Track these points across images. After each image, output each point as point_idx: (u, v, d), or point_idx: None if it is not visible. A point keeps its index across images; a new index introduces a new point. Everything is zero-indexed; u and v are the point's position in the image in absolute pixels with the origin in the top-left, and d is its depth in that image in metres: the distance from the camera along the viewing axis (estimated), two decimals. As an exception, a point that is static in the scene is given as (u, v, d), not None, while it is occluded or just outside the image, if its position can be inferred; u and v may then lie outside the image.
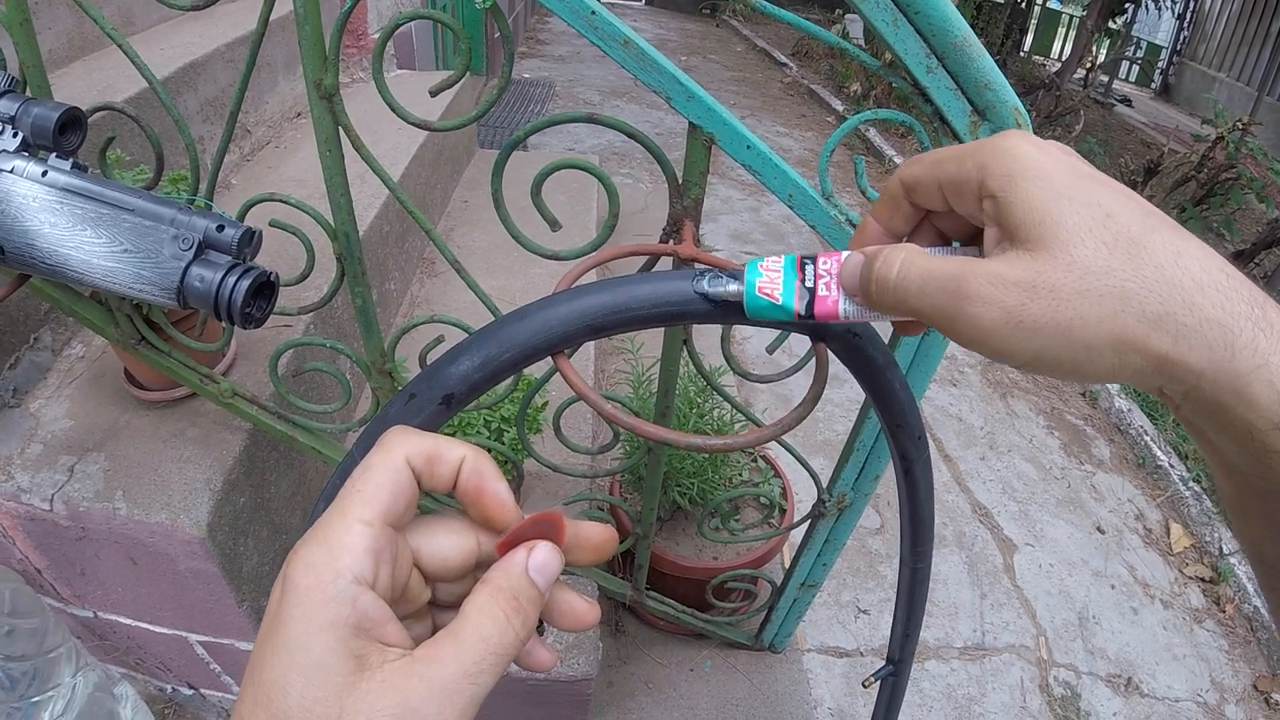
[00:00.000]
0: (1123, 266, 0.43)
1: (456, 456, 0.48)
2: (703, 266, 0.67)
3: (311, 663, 0.41)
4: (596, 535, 0.51)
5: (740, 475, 2.12)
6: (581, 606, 0.51)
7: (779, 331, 1.21)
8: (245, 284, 0.87)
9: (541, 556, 0.47)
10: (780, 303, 0.58)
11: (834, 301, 0.56)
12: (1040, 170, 0.46)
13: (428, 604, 0.50)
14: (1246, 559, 0.54)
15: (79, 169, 0.95)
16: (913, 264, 0.49)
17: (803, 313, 0.57)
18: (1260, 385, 0.40)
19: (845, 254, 0.57)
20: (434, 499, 1.33)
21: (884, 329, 0.77)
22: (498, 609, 0.45)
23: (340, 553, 0.43)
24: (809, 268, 0.58)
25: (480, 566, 0.50)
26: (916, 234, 0.57)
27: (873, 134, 7.37)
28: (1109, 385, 4.22)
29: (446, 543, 0.49)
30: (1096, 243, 0.43)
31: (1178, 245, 0.43)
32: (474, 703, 0.43)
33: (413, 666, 0.42)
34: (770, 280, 0.59)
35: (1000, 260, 0.46)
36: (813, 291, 0.57)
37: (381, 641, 0.43)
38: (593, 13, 0.92)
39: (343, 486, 0.46)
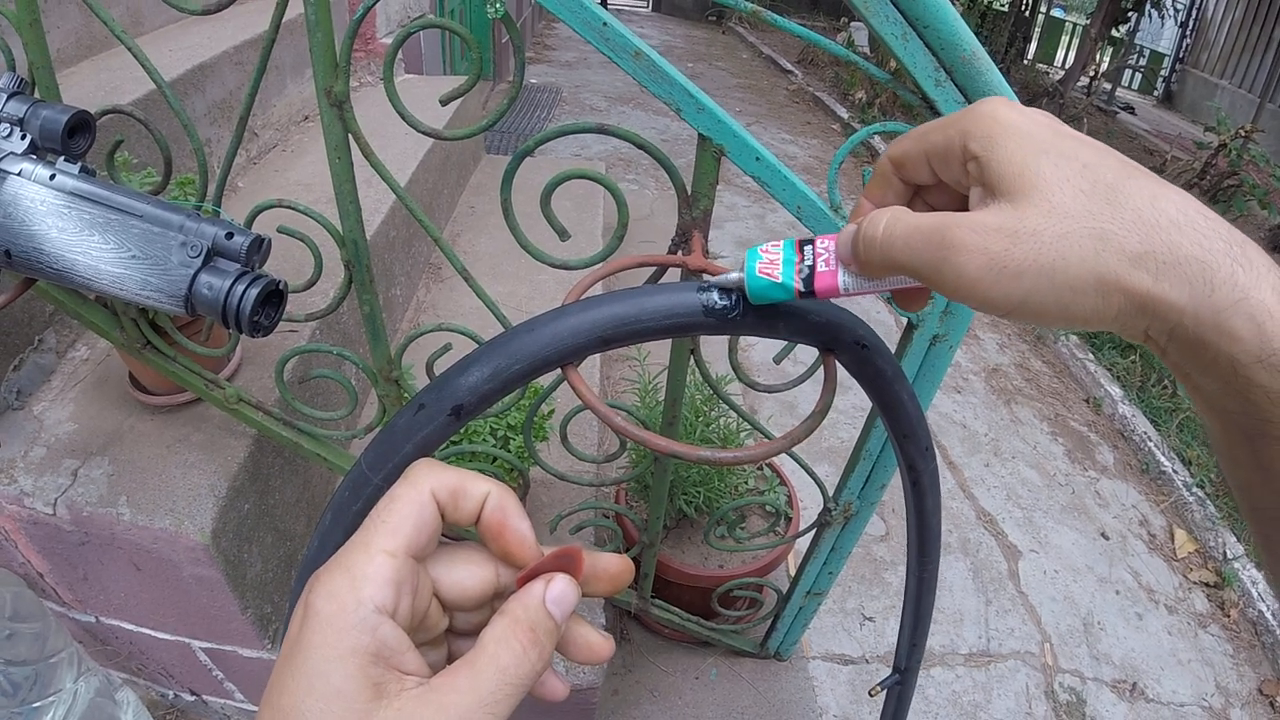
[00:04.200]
0: (1101, 210, 0.43)
1: (481, 492, 0.49)
2: (711, 279, 0.66)
3: (330, 690, 0.41)
4: (613, 566, 0.52)
5: (746, 483, 2.12)
6: (596, 640, 0.52)
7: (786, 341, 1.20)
8: (254, 292, 0.87)
9: (559, 589, 0.48)
10: (780, 280, 0.59)
11: (833, 274, 0.57)
12: (1019, 129, 0.47)
13: (445, 631, 0.51)
14: (1241, 512, 0.54)
15: (87, 172, 0.95)
16: (898, 220, 0.50)
17: (803, 289, 0.58)
18: (1241, 319, 0.41)
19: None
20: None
21: (890, 341, 0.77)
22: (515, 640, 0.45)
23: (363, 582, 0.43)
24: (808, 249, 0.59)
25: (498, 597, 0.51)
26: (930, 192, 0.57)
27: (877, 141, 7.37)
28: (1111, 391, 4.22)
29: (466, 573, 0.50)
30: (1075, 190, 0.44)
31: (1154, 190, 0.44)
32: None
33: (429, 695, 0.43)
34: (770, 262, 0.60)
35: (983, 211, 0.47)
36: (812, 268, 0.58)
37: (400, 670, 0.43)
38: (604, 24, 0.92)
39: (367, 516, 0.47)
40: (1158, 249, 0.42)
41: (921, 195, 0.57)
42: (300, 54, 2.92)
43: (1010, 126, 0.47)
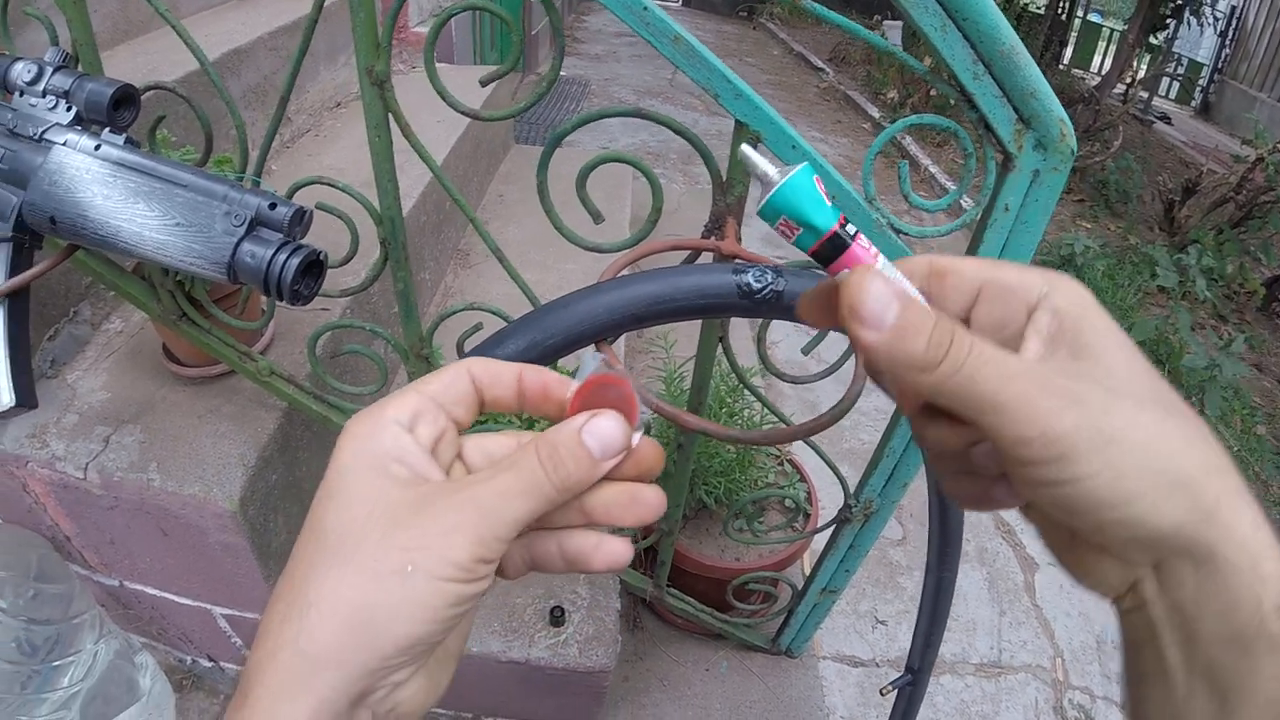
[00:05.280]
0: (1191, 422, 0.42)
1: (514, 368, 0.51)
2: (743, 262, 0.67)
3: (360, 489, 0.46)
4: (648, 450, 0.51)
5: (766, 477, 2.12)
6: (648, 494, 0.52)
7: (814, 334, 1.21)
8: (295, 261, 0.89)
9: (597, 421, 0.48)
10: (830, 205, 0.47)
11: (872, 258, 0.47)
12: (1105, 316, 0.45)
13: None
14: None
15: (132, 144, 0.97)
16: (986, 347, 0.43)
17: (837, 235, 0.47)
18: (1273, 563, 0.40)
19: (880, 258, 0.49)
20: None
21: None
22: (531, 451, 0.47)
23: (386, 406, 0.48)
24: (850, 226, 0.48)
25: None
26: None
27: (908, 142, 7.35)
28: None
29: (493, 443, 0.52)
30: (1161, 395, 0.43)
31: (1197, 420, 0.43)
32: (503, 522, 0.45)
33: (447, 486, 0.47)
34: (822, 189, 0.47)
35: (1074, 369, 0.44)
36: (854, 234, 0.48)
37: (423, 476, 0.47)
38: (645, 9, 0.93)
39: None
40: (1233, 475, 0.41)
41: None
42: (333, 41, 2.95)
43: (1098, 306, 0.45)
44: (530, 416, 0.52)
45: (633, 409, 0.49)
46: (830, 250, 0.47)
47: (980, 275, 0.47)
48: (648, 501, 0.51)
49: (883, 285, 0.43)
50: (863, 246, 0.47)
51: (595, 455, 0.47)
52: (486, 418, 1.69)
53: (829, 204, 0.47)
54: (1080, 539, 0.46)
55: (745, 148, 0.49)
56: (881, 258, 0.48)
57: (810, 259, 0.49)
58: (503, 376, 0.51)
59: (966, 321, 0.48)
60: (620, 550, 0.52)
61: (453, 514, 0.45)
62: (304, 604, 0.43)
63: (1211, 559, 0.41)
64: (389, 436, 0.47)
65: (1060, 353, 0.45)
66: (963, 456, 0.49)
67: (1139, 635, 0.46)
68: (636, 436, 0.50)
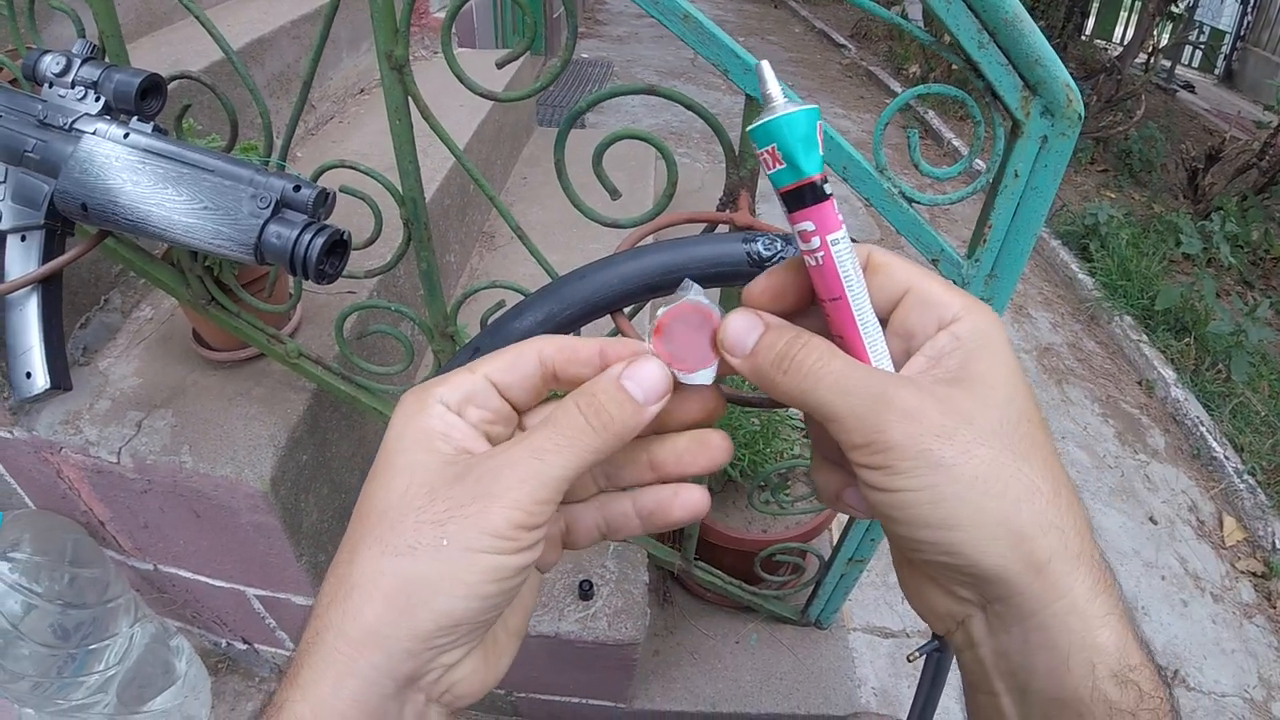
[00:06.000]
0: (1039, 465, 0.43)
1: (594, 343, 0.50)
2: (753, 232, 0.68)
3: (408, 462, 0.46)
4: (711, 391, 0.52)
5: (792, 449, 2.13)
6: (715, 438, 0.53)
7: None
8: (320, 241, 0.91)
9: (637, 366, 0.48)
10: (820, 155, 0.46)
11: (839, 223, 0.46)
12: (1008, 353, 0.45)
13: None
14: None
15: (159, 132, 0.99)
16: (835, 358, 0.45)
17: (816, 184, 0.45)
18: (1108, 631, 0.41)
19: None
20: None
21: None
22: (569, 404, 0.47)
23: (436, 385, 0.48)
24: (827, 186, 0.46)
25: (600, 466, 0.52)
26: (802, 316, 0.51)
27: (931, 116, 7.31)
28: (1164, 374, 4.18)
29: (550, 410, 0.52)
30: (1027, 433, 0.43)
31: (1070, 481, 0.44)
32: (543, 481, 0.45)
33: (480, 456, 0.47)
34: (820, 140, 0.46)
35: (932, 388, 0.44)
36: (827, 196, 0.46)
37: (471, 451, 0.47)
38: (654, -13, 0.94)
39: None
40: (1068, 530, 0.42)
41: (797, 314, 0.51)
42: (355, 28, 2.98)
43: (1004, 346, 0.45)
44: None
45: (712, 343, 0.49)
46: (799, 199, 0.46)
47: (907, 281, 0.48)
48: (717, 444, 0.52)
49: (745, 319, 0.48)
50: (834, 211, 0.46)
51: (639, 400, 0.47)
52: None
53: (820, 154, 0.46)
54: (913, 560, 0.46)
55: (763, 64, 0.47)
56: (843, 229, 0.46)
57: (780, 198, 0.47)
58: (580, 353, 0.50)
59: (884, 322, 0.49)
60: (699, 498, 0.53)
61: (488, 480, 0.44)
62: (348, 586, 0.44)
63: (1036, 615, 0.42)
64: (435, 415, 0.47)
65: (938, 374, 0.45)
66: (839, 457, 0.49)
67: (974, 677, 0.47)
68: (709, 374, 0.50)
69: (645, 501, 0.53)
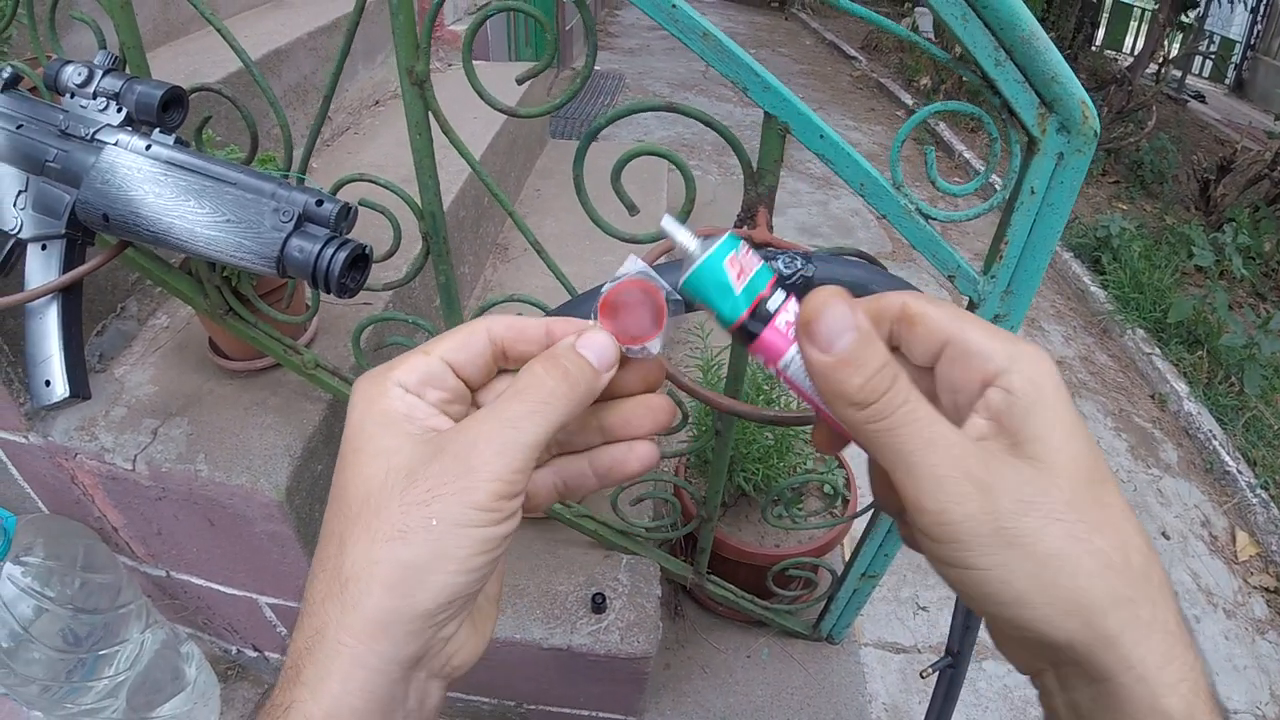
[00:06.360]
0: (1111, 532, 0.41)
1: (541, 322, 0.52)
2: (773, 249, 0.68)
3: (365, 447, 0.47)
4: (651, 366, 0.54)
5: (805, 464, 2.13)
6: (659, 400, 0.54)
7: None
8: (343, 256, 0.91)
9: (589, 335, 0.50)
10: (738, 293, 0.47)
11: (784, 341, 0.47)
12: (1064, 403, 0.43)
13: None
14: None
15: (181, 144, 1.00)
16: (922, 404, 0.44)
17: (746, 326, 0.47)
18: (1176, 699, 0.40)
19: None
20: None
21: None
22: (535, 365, 0.48)
23: (393, 369, 0.48)
24: (779, 294, 0.48)
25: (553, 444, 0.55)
26: None
27: (942, 128, 7.30)
28: (1177, 388, 4.16)
29: (504, 383, 0.53)
30: (1097, 497, 0.42)
31: (1146, 537, 0.43)
32: (519, 448, 0.45)
33: (450, 433, 0.47)
34: (740, 269, 0.48)
35: (1004, 456, 0.43)
36: (770, 316, 0.47)
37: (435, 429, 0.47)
38: (674, 5, 0.94)
39: None
40: (1141, 602, 0.41)
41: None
42: (371, 41, 3.00)
43: (1060, 396, 0.43)
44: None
45: (660, 314, 0.50)
46: (741, 336, 0.48)
47: (947, 331, 0.45)
48: (661, 407, 0.54)
49: (844, 311, 0.44)
50: (779, 329, 0.47)
51: (595, 365, 0.49)
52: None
53: (742, 285, 0.47)
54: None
55: (666, 219, 0.50)
56: (790, 351, 0.48)
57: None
58: (528, 332, 0.51)
59: (930, 374, 0.47)
60: (651, 450, 0.55)
61: (465, 455, 0.45)
62: (343, 579, 0.44)
63: (1105, 682, 0.41)
64: (395, 398, 0.47)
65: (1001, 438, 0.44)
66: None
67: (1051, 718, 0.46)
68: (657, 344, 0.51)
69: (601, 460, 0.55)
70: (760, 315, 0.47)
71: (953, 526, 0.41)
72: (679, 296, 0.50)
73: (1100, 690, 0.41)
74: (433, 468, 0.45)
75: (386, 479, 0.45)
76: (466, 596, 0.46)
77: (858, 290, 0.65)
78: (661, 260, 0.78)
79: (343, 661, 0.43)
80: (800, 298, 0.46)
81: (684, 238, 0.49)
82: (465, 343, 0.50)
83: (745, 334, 0.48)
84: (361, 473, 0.46)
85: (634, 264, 0.52)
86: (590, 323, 0.51)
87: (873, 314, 0.47)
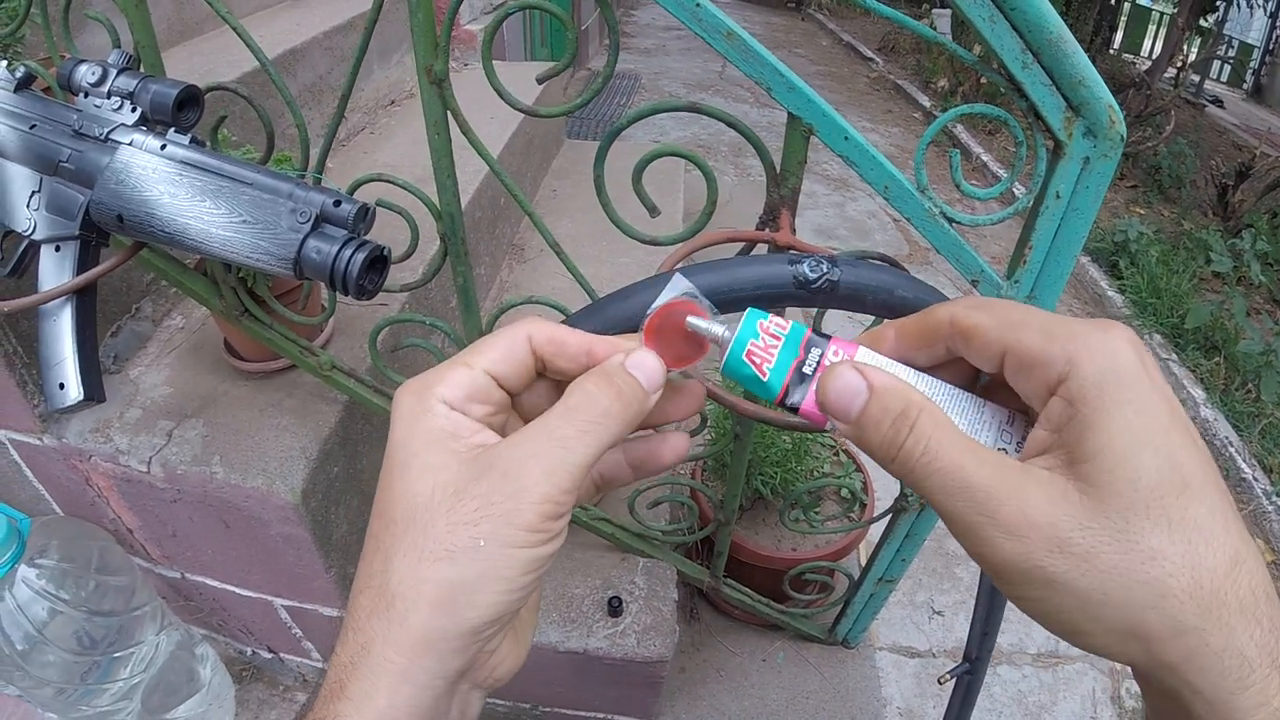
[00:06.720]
0: (1175, 556, 0.37)
1: (583, 339, 0.51)
2: (798, 253, 0.68)
3: (411, 463, 0.46)
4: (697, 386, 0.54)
5: (822, 467, 2.12)
6: (693, 385, 0.54)
7: (868, 322, 1.21)
8: (361, 257, 0.90)
9: (638, 354, 0.49)
10: (766, 379, 0.48)
11: (824, 415, 0.47)
12: (1139, 398, 0.39)
13: None
14: None
15: (197, 144, 0.99)
16: (942, 449, 0.42)
17: (785, 402, 0.48)
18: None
19: (858, 351, 0.49)
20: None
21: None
22: (587, 383, 0.48)
23: (435, 382, 0.48)
24: (814, 351, 0.48)
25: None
26: (936, 369, 0.49)
27: (960, 130, 7.29)
28: (1194, 393, 4.14)
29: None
30: (1159, 517, 0.38)
31: (1238, 549, 0.38)
32: (568, 469, 0.45)
33: (498, 450, 0.46)
34: (765, 348, 0.48)
35: (1042, 489, 0.40)
36: (807, 381, 0.48)
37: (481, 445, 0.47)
38: (698, 4, 0.93)
39: None
40: (1211, 630, 0.37)
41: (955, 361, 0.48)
42: (386, 40, 3.01)
43: (1130, 389, 0.40)
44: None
45: (704, 339, 0.50)
46: (789, 409, 0.49)
47: (1002, 342, 0.43)
48: (691, 391, 0.54)
49: (849, 379, 0.45)
50: (813, 403, 0.47)
51: (640, 382, 0.48)
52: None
53: (769, 372, 0.48)
54: None
55: (691, 319, 0.50)
56: (864, 351, 0.49)
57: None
58: (568, 348, 0.50)
59: (1003, 382, 0.45)
60: (684, 442, 0.56)
61: (514, 474, 0.44)
62: (389, 596, 0.44)
63: (1177, 698, 0.39)
64: (440, 415, 0.47)
65: (1059, 452, 0.41)
66: None
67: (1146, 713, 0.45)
68: (697, 368, 0.52)
69: (635, 452, 0.56)
70: (797, 394, 0.48)
71: (994, 569, 0.41)
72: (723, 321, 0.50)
73: (1174, 704, 0.40)
74: (480, 486, 0.44)
75: (433, 495, 0.45)
76: (512, 613, 0.45)
77: (883, 294, 0.64)
78: (682, 264, 0.78)
79: (390, 677, 0.43)
80: (827, 302, 0.47)
81: (713, 327, 0.50)
82: (509, 353, 0.50)
83: (789, 409, 0.49)
84: (409, 489, 0.45)
85: (680, 284, 0.52)
86: (630, 344, 0.50)
87: (921, 334, 0.48)
